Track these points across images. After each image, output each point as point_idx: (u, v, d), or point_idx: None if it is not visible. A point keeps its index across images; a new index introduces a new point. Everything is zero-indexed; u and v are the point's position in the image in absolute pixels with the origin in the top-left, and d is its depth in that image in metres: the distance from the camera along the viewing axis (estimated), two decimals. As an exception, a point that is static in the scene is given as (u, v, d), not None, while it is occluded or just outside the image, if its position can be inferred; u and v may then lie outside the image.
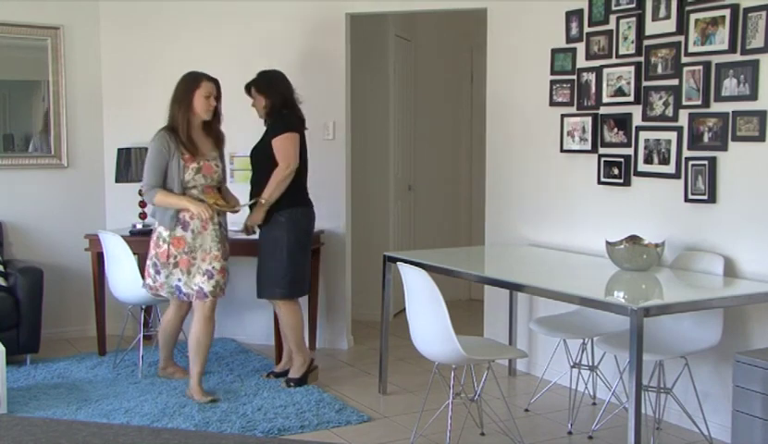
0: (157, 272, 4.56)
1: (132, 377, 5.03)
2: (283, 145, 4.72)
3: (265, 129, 4.89)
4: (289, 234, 4.74)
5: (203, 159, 4.57)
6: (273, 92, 4.82)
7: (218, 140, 4.72)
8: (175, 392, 4.71)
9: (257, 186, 4.79)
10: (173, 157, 4.49)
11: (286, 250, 4.74)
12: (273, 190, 4.69)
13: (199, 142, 4.59)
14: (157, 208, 4.56)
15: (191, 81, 4.57)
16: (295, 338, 4.85)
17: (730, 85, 3.98)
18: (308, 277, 5.00)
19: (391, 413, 4.46)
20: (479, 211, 5.97)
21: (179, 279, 4.53)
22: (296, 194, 4.79)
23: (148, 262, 4.62)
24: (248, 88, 4.90)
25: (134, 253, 5.17)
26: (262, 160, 4.81)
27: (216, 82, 4.63)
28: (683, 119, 4.22)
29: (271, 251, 4.78)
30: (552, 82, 4.97)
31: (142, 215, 5.77)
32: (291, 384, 4.80)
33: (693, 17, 4.13)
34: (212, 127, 4.67)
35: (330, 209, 5.78)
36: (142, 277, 4.80)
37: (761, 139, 3.87)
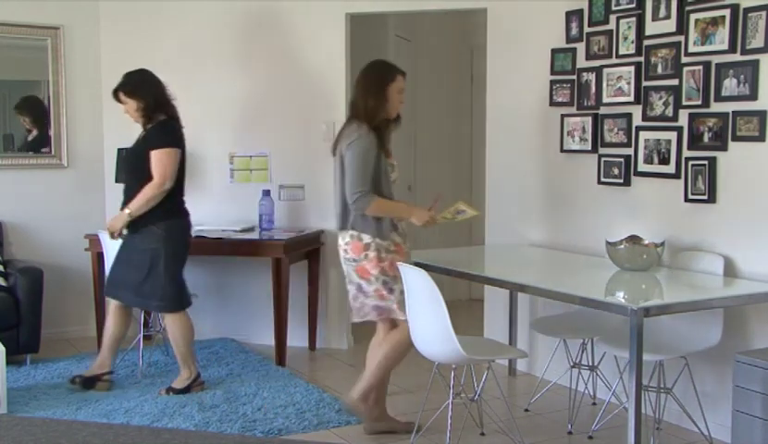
0: (390, 290, 3.97)
1: (132, 377, 5.03)
2: (161, 161, 4.51)
3: (142, 130, 4.73)
4: (167, 246, 4.57)
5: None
6: (144, 93, 4.62)
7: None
8: (175, 392, 4.72)
9: (131, 198, 4.57)
10: (380, 156, 3.99)
11: (163, 263, 4.56)
12: (141, 206, 4.50)
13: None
14: (365, 218, 3.97)
15: (386, 73, 4.07)
16: (182, 349, 4.72)
17: (730, 85, 3.98)
18: (186, 287, 4.77)
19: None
20: (479, 211, 5.96)
21: (402, 292, 3.89)
22: (174, 205, 4.61)
23: (371, 286, 3.98)
24: (115, 93, 4.67)
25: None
26: (136, 166, 4.61)
27: (404, 76, 4.15)
28: (683, 119, 4.22)
29: (148, 263, 4.58)
30: (552, 82, 4.97)
31: (142, 215, 5.77)
32: (171, 392, 4.67)
33: (693, 17, 4.13)
34: (392, 125, 4.16)
35: (330, 209, 5.75)
36: None
37: (761, 139, 3.87)
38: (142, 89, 4.64)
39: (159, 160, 4.52)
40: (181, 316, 4.70)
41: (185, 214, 4.73)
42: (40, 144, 5.97)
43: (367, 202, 3.90)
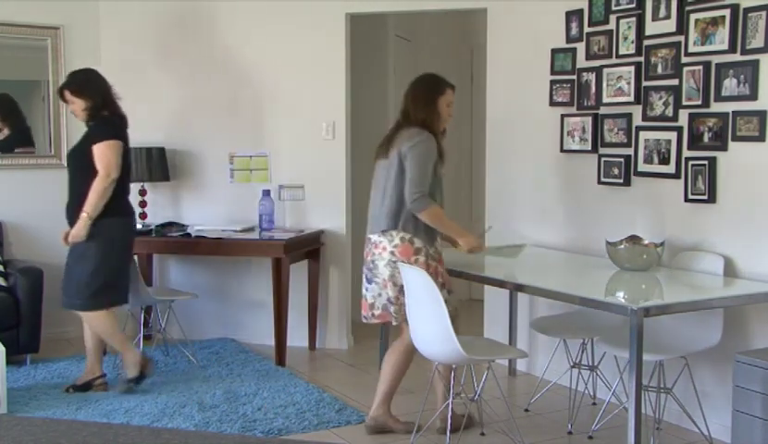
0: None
1: (132, 377, 5.03)
2: (104, 154, 4.50)
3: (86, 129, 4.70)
4: (98, 245, 4.52)
5: None
6: (93, 93, 4.61)
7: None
8: (175, 392, 4.71)
9: (76, 194, 4.56)
10: (437, 164, 3.98)
11: (93, 261, 4.53)
12: (95, 203, 4.47)
13: None
14: (417, 223, 3.93)
15: (434, 86, 4.08)
16: (114, 342, 4.70)
17: (730, 85, 3.98)
18: (121, 287, 4.72)
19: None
20: (479, 211, 5.97)
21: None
22: (111, 204, 4.55)
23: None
24: (61, 92, 4.65)
25: (135, 253, 5.17)
26: (80, 165, 4.59)
27: (454, 89, 4.16)
28: (683, 119, 4.22)
29: (78, 259, 4.57)
30: (552, 82, 4.97)
31: (143, 216, 5.78)
32: (131, 384, 4.68)
33: (693, 17, 4.13)
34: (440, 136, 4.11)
35: (330, 209, 5.79)
36: (145, 280, 4.73)
37: (761, 139, 3.87)
38: (90, 88, 4.64)
39: (102, 153, 4.51)
40: (100, 313, 4.65)
41: (125, 213, 4.70)
42: (14, 144, 5.92)
43: (427, 204, 3.87)
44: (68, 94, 4.65)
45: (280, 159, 5.85)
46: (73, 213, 4.57)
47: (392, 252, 3.96)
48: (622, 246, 4.11)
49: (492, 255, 4.16)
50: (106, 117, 4.65)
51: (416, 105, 4.03)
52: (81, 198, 4.52)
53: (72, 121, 5.98)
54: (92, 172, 4.51)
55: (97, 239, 4.54)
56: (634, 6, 4.43)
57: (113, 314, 4.72)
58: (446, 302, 3.66)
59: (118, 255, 4.66)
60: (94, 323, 4.66)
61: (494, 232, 5.34)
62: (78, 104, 4.64)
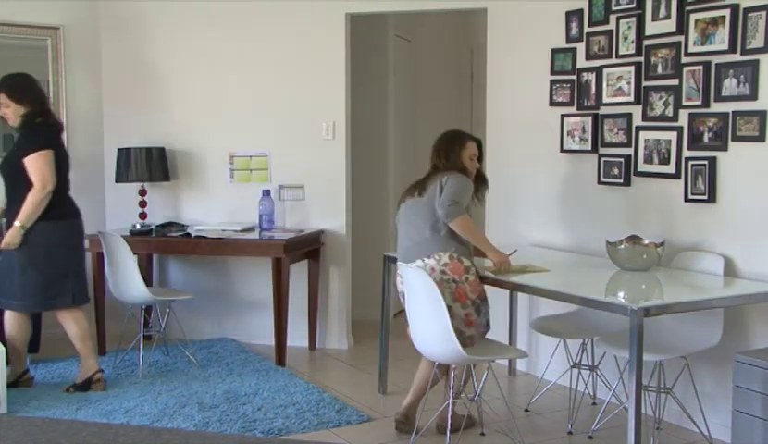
0: (478, 311, 3.92)
1: (132, 377, 5.03)
2: (37, 165, 4.44)
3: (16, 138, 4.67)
4: (33, 248, 4.50)
5: None
6: (31, 99, 4.57)
7: None
8: (175, 392, 4.71)
9: (13, 203, 4.53)
10: (470, 203, 4.11)
11: (27, 263, 4.50)
12: (30, 214, 4.44)
13: None
14: (460, 243, 3.97)
15: (455, 139, 4.19)
16: (15, 345, 4.67)
17: (730, 85, 3.98)
18: (71, 288, 4.68)
19: (391, 413, 4.46)
20: (479, 211, 5.96)
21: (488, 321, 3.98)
22: (50, 208, 4.51)
23: (463, 310, 3.87)
24: None
25: (134, 253, 5.18)
26: (14, 174, 4.54)
27: (478, 142, 4.26)
28: (683, 119, 4.22)
29: (13, 260, 4.53)
30: (552, 82, 4.97)
31: (143, 216, 5.78)
32: (74, 389, 4.71)
33: (693, 17, 4.13)
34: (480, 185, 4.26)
35: (330, 209, 5.79)
36: (145, 280, 4.71)
37: (761, 139, 3.87)
38: (30, 95, 4.60)
39: (34, 165, 4.46)
40: (17, 315, 4.64)
41: (66, 215, 4.65)
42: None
43: (460, 212, 3.89)
44: (5, 98, 4.55)
45: (280, 159, 5.85)
46: (10, 222, 4.56)
47: (443, 271, 3.90)
48: (622, 246, 4.11)
49: (518, 274, 4.12)
50: (38, 124, 4.58)
51: (440, 158, 4.14)
52: (18, 207, 4.49)
53: (72, 122, 5.99)
54: (28, 182, 4.47)
55: (33, 244, 4.51)
56: (634, 6, 4.43)
57: (78, 316, 4.72)
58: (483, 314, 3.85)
59: (63, 257, 4.61)
60: (8, 323, 4.66)
61: (494, 232, 5.34)
62: (13, 110, 4.55)
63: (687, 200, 4.20)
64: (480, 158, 4.22)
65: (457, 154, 4.11)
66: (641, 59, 4.42)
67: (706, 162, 4.08)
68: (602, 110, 4.67)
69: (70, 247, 4.68)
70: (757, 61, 3.87)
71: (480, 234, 4.16)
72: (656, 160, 4.36)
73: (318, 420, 4.30)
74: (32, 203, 4.46)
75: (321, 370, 5.35)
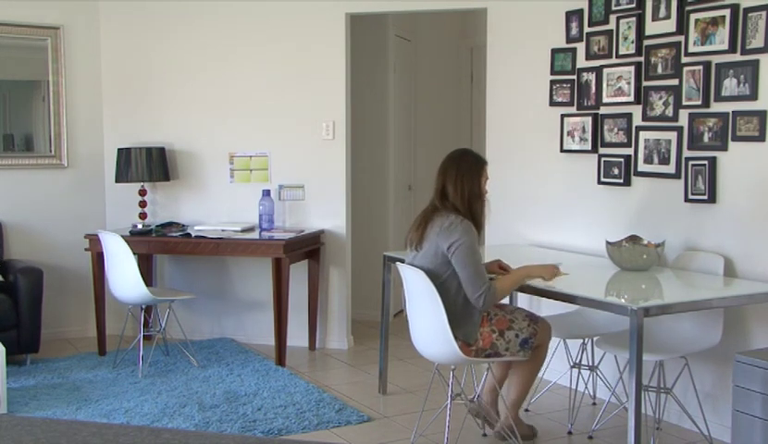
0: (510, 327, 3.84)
1: (132, 377, 5.03)
2: None
3: None
4: None
5: None
6: None
7: None
8: (175, 392, 4.71)
9: None
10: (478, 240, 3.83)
11: None
12: None
13: None
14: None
15: (475, 163, 3.83)
16: None
17: (730, 85, 3.98)
18: None
19: (391, 413, 4.46)
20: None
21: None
22: None
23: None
24: None
25: (134, 253, 5.18)
26: None
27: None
28: (683, 119, 4.22)
29: None
30: (552, 82, 4.97)
31: (143, 216, 5.78)
32: None
33: (693, 17, 4.13)
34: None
35: (330, 209, 5.79)
36: (145, 280, 4.66)
37: (761, 139, 3.87)
38: None
39: None
40: None
41: None
42: None
43: (493, 294, 3.68)
44: None
45: (280, 159, 5.85)
46: None
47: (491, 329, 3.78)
48: (622, 246, 4.11)
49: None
50: None
51: (457, 180, 3.78)
52: None
53: (72, 121, 6.00)
54: None
55: None
56: (634, 6, 4.43)
57: None
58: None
59: None
60: None
61: (494, 232, 5.34)
62: None
63: (687, 200, 4.20)
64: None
65: (477, 181, 3.79)
66: (641, 59, 4.42)
67: (706, 162, 4.08)
68: (602, 110, 4.67)
69: None
70: (757, 61, 3.87)
71: (514, 281, 3.83)
72: (656, 160, 4.36)
73: (318, 420, 4.30)
74: None
75: (321, 370, 5.35)
